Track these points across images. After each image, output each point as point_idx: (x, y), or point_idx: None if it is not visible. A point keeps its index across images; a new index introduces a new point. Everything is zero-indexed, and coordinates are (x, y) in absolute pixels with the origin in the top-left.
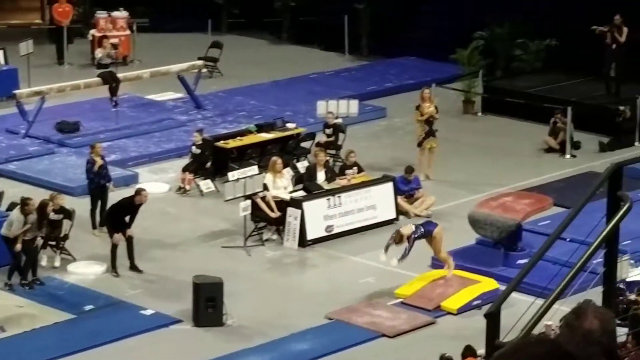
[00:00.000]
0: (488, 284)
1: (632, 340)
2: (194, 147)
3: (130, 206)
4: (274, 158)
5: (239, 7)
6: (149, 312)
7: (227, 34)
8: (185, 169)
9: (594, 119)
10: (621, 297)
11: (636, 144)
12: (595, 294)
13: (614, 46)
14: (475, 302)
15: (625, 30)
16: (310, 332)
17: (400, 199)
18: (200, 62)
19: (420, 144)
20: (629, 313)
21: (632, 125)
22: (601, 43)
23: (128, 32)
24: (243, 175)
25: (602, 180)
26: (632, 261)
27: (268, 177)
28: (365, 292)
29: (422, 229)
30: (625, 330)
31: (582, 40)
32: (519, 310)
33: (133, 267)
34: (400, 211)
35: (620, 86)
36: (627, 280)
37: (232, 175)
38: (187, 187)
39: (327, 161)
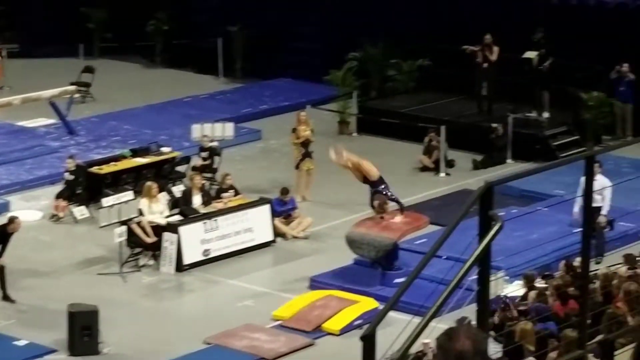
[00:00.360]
0: (367, 304)
1: (506, 358)
2: (67, 174)
3: (2, 235)
4: (149, 183)
5: (111, 31)
6: (22, 342)
7: (100, 58)
8: (58, 196)
9: (467, 137)
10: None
11: (508, 161)
12: (471, 311)
13: (485, 65)
14: (357, 322)
15: (496, 49)
16: (188, 358)
17: (277, 221)
18: (72, 87)
19: (297, 166)
20: (504, 330)
21: (504, 143)
22: (472, 62)
23: None
24: (118, 201)
25: (474, 200)
26: (507, 277)
27: (143, 202)
28: (244, 315)
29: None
30: (500, 347)
31: (454, 60)
32: (396, 330)
33: (5, 297)
34: (277, 233)
35: (492, 104)
36: (509, 295)
37: (106, 201)
38: (61, 214)
39: (203, 185)
